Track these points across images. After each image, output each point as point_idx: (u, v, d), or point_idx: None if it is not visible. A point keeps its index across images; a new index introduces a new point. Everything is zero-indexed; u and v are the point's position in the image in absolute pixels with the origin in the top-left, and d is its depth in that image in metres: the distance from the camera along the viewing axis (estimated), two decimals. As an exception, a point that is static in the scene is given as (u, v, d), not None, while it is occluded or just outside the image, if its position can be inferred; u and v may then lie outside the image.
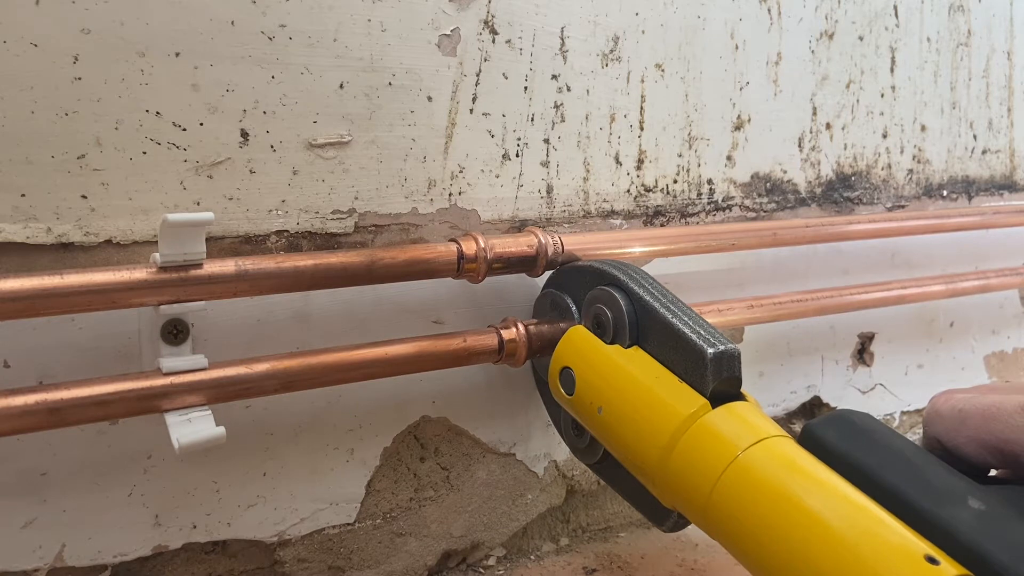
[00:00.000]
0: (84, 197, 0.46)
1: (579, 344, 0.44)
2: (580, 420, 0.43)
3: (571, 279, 0.52)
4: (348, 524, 0.57)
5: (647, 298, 0.42)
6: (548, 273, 0.58)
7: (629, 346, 0.41)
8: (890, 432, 0.33)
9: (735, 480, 0.31)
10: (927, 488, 0.28)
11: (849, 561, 0.26)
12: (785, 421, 0.81)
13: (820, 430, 0.33)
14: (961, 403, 0.34)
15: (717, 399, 0.36)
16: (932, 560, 0.25)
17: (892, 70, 0.84)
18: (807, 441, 0.33)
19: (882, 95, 0.83)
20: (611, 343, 0.44)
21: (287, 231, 0.52)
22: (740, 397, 0.37)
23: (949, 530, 0.27)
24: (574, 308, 0.51)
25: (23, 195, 0.45)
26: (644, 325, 0.41)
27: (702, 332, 0.38)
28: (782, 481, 0.30)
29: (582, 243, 0.59)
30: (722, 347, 0.37)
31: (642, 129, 0.67)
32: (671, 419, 0.35)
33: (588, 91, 0.64)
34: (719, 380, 0.36)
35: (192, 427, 0.44)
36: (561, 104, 0.62)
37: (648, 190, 0.68)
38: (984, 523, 0.27)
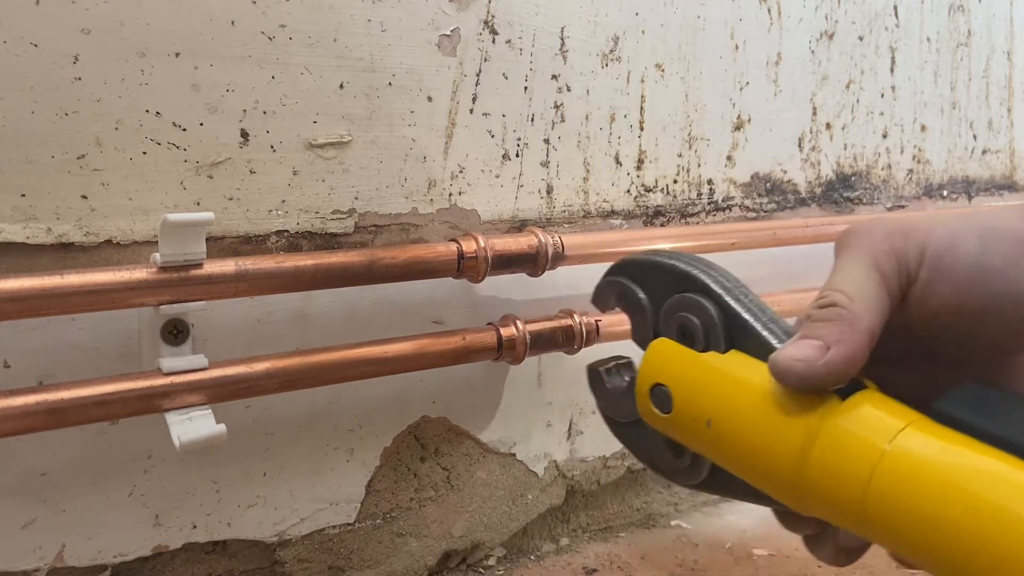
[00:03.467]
0: (84, 197, 0.46)
1: (670, 357, 0.41)
2: (681, 439, 0.40)
3: (648, 274, 0.47)
4: (348, 524, 0.57)
5: (743, 313, 0.39)
6: (550, 272, 0.58)
7: (725, 351, 0.39)
8: (1020, 397, 0.31)
9: (889, 476, 0.29)
10: None
11: None
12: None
13: (950, 407, 0.31)
14: None
15: (844, 391, 0.33)
16: None
17: (892, 70, 0.84)
18: (938, 419, 0.31)
19: (882, 95, 0.83)
20: (704, 351, 0.41)
21: (287, 231, 0.52)
22: (860, 384, 0.34)
23: None
24: (648, 305, 0.46)
25: (23, 195, 0.45)
26: (737, 335, 0.39)
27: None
28: (941, 466, 0.29)
29: (582, 243, 0.59)
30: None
31: (642, 129, 0.67)
32: (798, 421, 0.33)
33: (588, 91, 0.64)
34: None
35: (192, 425, 0.44)
36: (561, 104, 0.62)
37: (648, 190, 0.68)
38: None
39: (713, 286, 0.41)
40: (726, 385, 0.37)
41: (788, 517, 0.36)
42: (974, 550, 0.27)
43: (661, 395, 0.40)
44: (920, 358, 0.34)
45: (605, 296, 0.50)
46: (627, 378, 0.46)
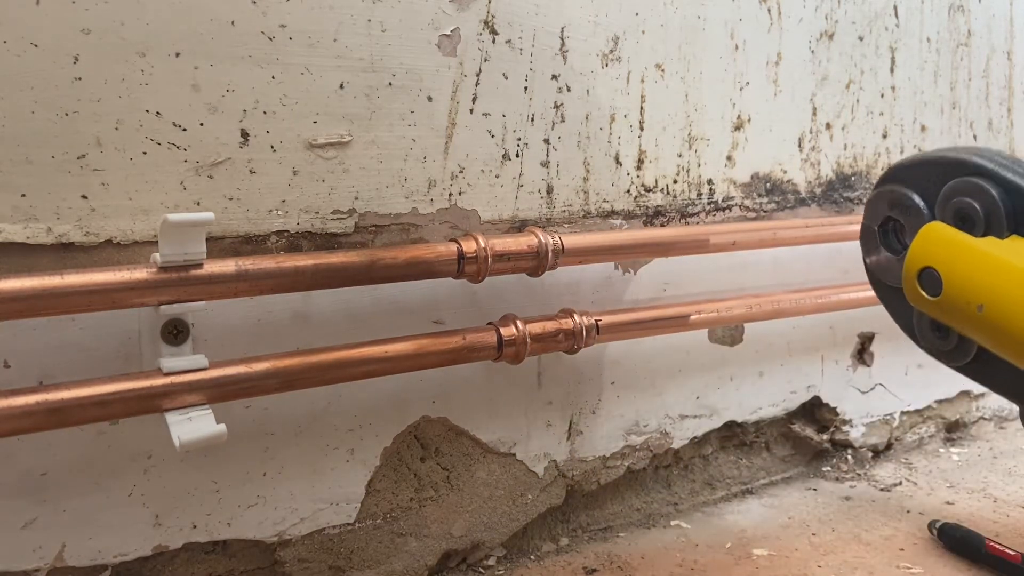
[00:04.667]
0: (84, 197, 0.46)
1: (943, 241, 0.40)
2: (948, 321, 0.40)
3: (917, 173, 0.45)
4: (348, 524, 0.57)
5: (1022, 183, 0.37)
6: (550, 272, 0.58)
7: (1007, 236, 0.37)
8: None
9: None
10: None
11: None
12: (785, 421, 0.81)
13: None
14: None
15: None
16: None
17: (892, 70, 0.84)
18: None
19: (882, 95, 0.83)
20: (983, 236, 0.39)
21: (287, 231, 0.52)
22: None
23: None
24: (922, 204, 0.45)
25: (23, 195, 0.45)
26: (1022, 216, 0.37)
27: None
28: None
29: (582, 243, 0.59)
30: None
31: (642, 129, 0.67)
32: None
33: (588, 91, 0.64)
34: None
35: (193, 425, 0.44)
36: (561, 104, 0.62)
37: (648, 190, 0.68)
38: None
39: (992, 167, 0.39)
40: (1003, 270, 0.36)
41: None
42: None
43: (930, 278, 0.40)
44: None
45: (877, 209, 0.49)
46: (901, 246, 0.45)
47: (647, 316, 0.63)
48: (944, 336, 0.42)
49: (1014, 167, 0.39)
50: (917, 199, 0.45)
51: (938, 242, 0.40)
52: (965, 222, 0.40)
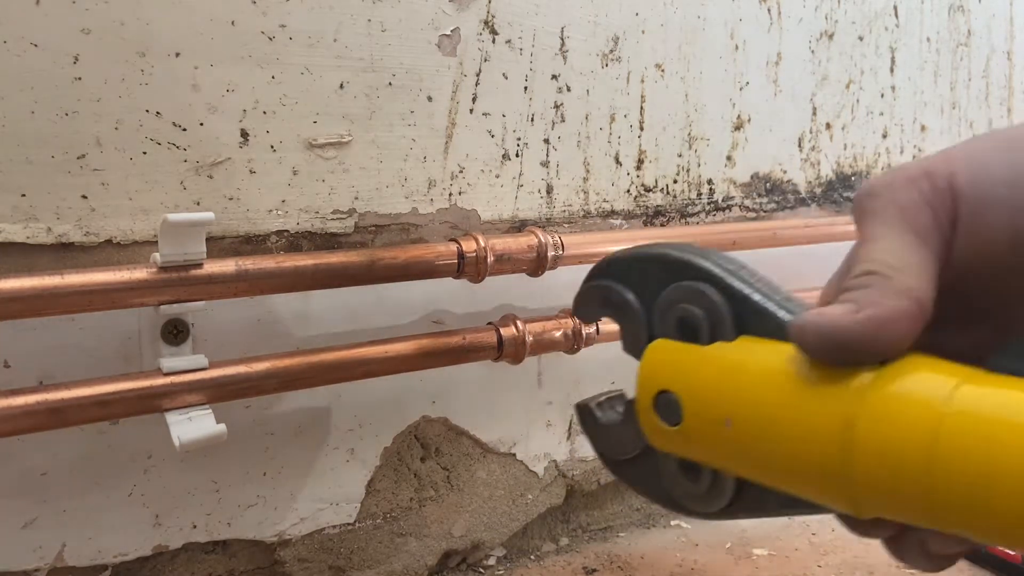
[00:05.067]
0: (84, 197, 0.46)
1: (672, 357, 0.35)
2: (696, 454, 0.34)
3: (634, 271, 0.40)
4: (348, 524, 0.57)
5: (753, 295, 0.34)
6: (550, 272, 0.58)
7: (734, 339, 0.33)
8: None
9: (955, 441, 0.24)
10: None
11: None
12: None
13: (1006, 361, 0.27)
14: None
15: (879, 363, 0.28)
16: None
17: (892, 70, 0.84)
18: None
19: (882, 95, 0.83)
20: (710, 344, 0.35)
21: (287, 231, 0.52)
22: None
23: None
24: (638, 305, 0.39)
25: (23, 195, 0.45)
26: (748, 322, 0.33)
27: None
28: (1010, 411, 0.24)
29: (582, 243, 0.59)
30: None
31: (642, 129, 0.67)
32: (835, 399, 0.27)
33: (588, 91, 0.64)
34: None
35: (193, 425, 0.44)
36: (561, 104, 0.62)
37: (648, 190, 0.68)
38: None
39: (713, 269, 0.35)
40: (743, 376, 0.32)
41: (854, 520, 0.30)
42: None
43: (667, 404, 0.34)
44: (980, 315, 0.29)
45: (588, 304, 0.43)
46: (620, 409, 0.39)
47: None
48: (697, 477, 0.36)
49: (737, 272, 0.35)
50: (633, 299, 0.39)
51: (668, 359, 0.35)
52: (688, 332, 0.35)
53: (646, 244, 0.41)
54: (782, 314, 0.32)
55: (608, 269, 0.42)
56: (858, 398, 0.26)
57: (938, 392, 0.25)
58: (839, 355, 0.27)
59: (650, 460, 0.37)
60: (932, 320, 0.27)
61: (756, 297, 0.33)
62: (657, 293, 0.38)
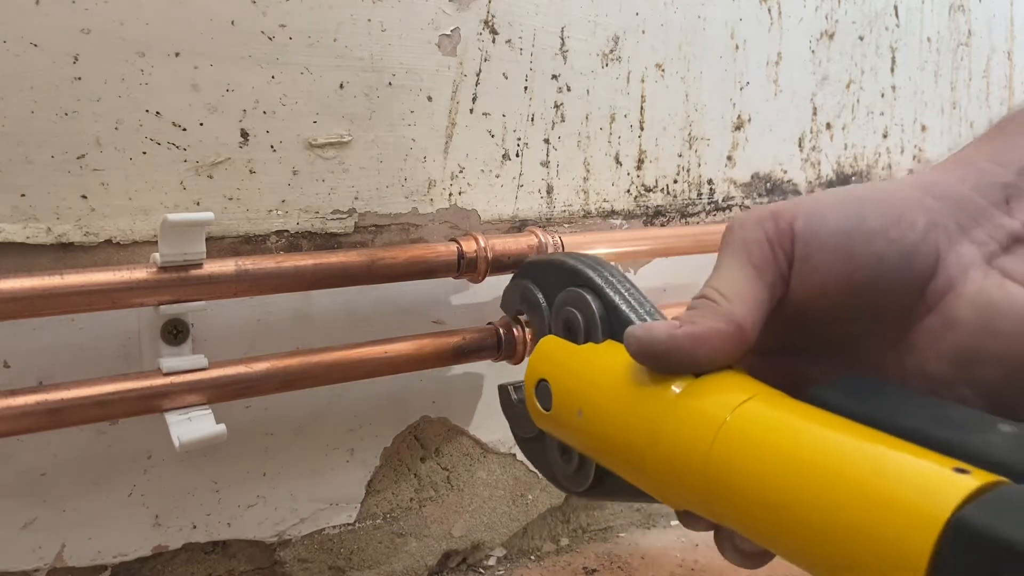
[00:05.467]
0: (84, 197, 0.46)
1: (552, 351, 0.41)
2: (561, 435, 0.40)
3: (544, 273, 0.48)
4: (348, 524, 0.57)
5: (621, 305, 0.40)
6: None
7: (602, 341, 0.39)
8: (899, 385, 0.30)
9: (727, 445, 0.28)
10: (950, 422, 0.26)
11: (867, 485, 0.24)
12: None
13: (822, 392, 0.29)
14: None
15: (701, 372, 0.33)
16: (961, 471, 0.23)
17: (892, 70, 0.84)
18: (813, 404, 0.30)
19: (882, 95, 0.83)
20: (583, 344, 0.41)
21: (287, 231, 0.52)
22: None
23: (980, 452, 0.24)
24: (545, 304, 0.47)
25: (23, 195, 0.45)
26: (616, 328, 0.39)
27: None
28: (778, 431, 0.27)
29: (582, 242, 0.59)
30: None
31: (642, 129, 0.67)
32: (655, 399, 0.32)
33: (588, 91, 0.64)
34: None
35: (192, 425, 0.44)
36: (561, 104, 0.62)
37: (648, 190, 0.68)
38: (1020, 440, 0.24)
39: (596, 279, 0.41)
40: (595, 372, 0.37)
41: (678, 512, 0.35)
42: (815, 506, 0.25)
43: (544, 391, 0.40)
44: (828, 348, 0.33)
45: (511, 300, 0.51)
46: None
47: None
48: (569, 459, 0.42)
49: (616, 284, 0.41)
50: (542, 299, 0.46)
51: (548, 353, 0.41)
52: (570, 332, 0.42)
53: (560, 252, 0.49)
54: (637, 320, 0.38)
55: (528, 271, 0.49)
56: (668, 403, 0.31)
57: (726, 405, 0.29)
58: (655, 363, 0.31)
59: (543, 440, 0.43)
60: (782, 347, 0.33)
61: (623, 307, 0.39)
62: (556, 295, 0.44)
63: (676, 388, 0.31)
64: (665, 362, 0.30)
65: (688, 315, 0.30)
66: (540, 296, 0.47)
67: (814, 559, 0.25)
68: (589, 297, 0.41)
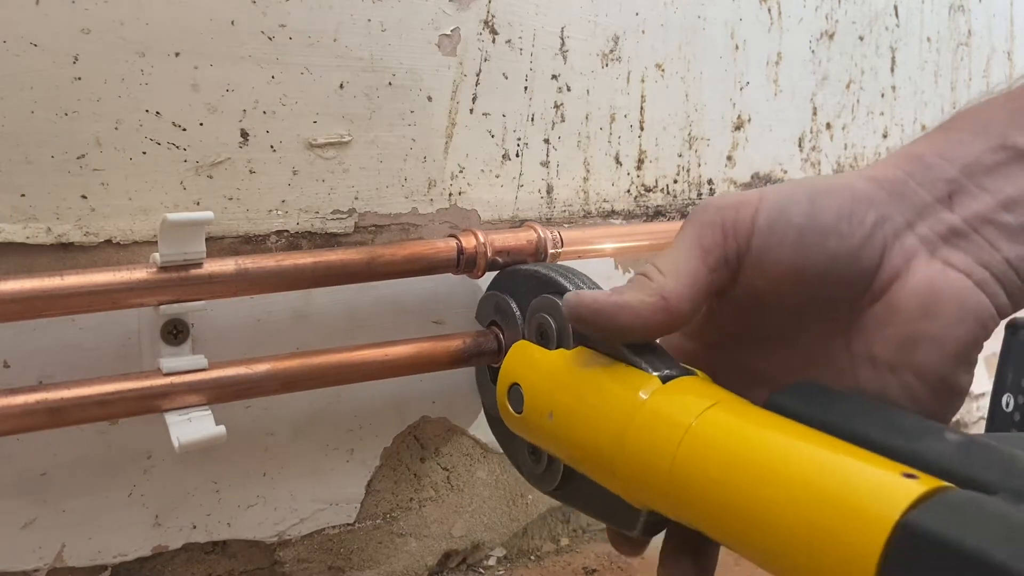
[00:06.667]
0: (84, 197, 0.46)
1: (524, 356, 0.42)
2: (533, 439, 0.41)
3: (517, 283, 0.50)
4: (348, 524, 0.57)
5: None
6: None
7: (573, 347, 0.40)
8: (854, 392, 0.32)
9: (693, 448, 0.30)
10: (900, 428, 0.27)
11: (821, 489, 0.25)
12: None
13: (781, 399, 0.31)
14: None
15: (667, 377, 0.34)
16: (910, 475, 0.24)
17: (892, 70, 0.84)
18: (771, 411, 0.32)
19: (882, 95, 0.83)
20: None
21: (287, 231, 0.52)
22: (691, 372, 0.36)
23: (929, 460, 0.25)
24: (518, 313, 0.49)
25: (23, 195, 0.45)
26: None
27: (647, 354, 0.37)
28: (741, 437, 0.29)
29: (582, 238, 0.59)
30: (666, 371, 0.36)
31: (642, 129, 0.67)
32: (622, 403, 0.33)
33: (588, 91, 0.64)
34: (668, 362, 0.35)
35: (192, 426, 0.44)
36: (561, 104, 0.62)
37: (648, 190, 0.68)
38: (965, 449, 0.26)
39: (567, 286, 0.43)
40: (565, 376, 0.38)
41: (616, 538, 0.37)
42: (769, 507, 0.26)
43: (516, 394, 0.41)
44: (783, 340, 0.34)
45: (485, 311, 0.53)
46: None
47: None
48: (537, 459, 0.43)
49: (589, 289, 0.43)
50: (515, 308, 0.49)
51: (521, 358, 0.42)
52: (543, 338, 0.43)
53: (532, 263, 0.51)
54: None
55: (500, 282, 0.51)
56: (635, 407, 0.32)
57: (690, 411, 0.30)
58: (583, 327, 0.33)
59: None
60: (736, 340, 0.35)
61: None
62: (529, 303, 0.46)
63: (643, 394, 0.33)
64: (591, 326, 0.32)
65: (620, 287, 0.32)
66: (514, 305, 0.49)
67: (771, 559, 0.27)
68: (560, 302, 0.42)
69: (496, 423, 0.47)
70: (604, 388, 0.35)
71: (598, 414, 0.34)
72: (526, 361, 0.41)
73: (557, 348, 0.41)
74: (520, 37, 0.60)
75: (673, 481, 0.30)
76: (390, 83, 0.55)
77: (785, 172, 0.77)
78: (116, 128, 0.47)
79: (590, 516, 0.43)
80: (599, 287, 0.43)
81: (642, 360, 0.34)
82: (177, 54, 0.48)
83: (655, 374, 0.33)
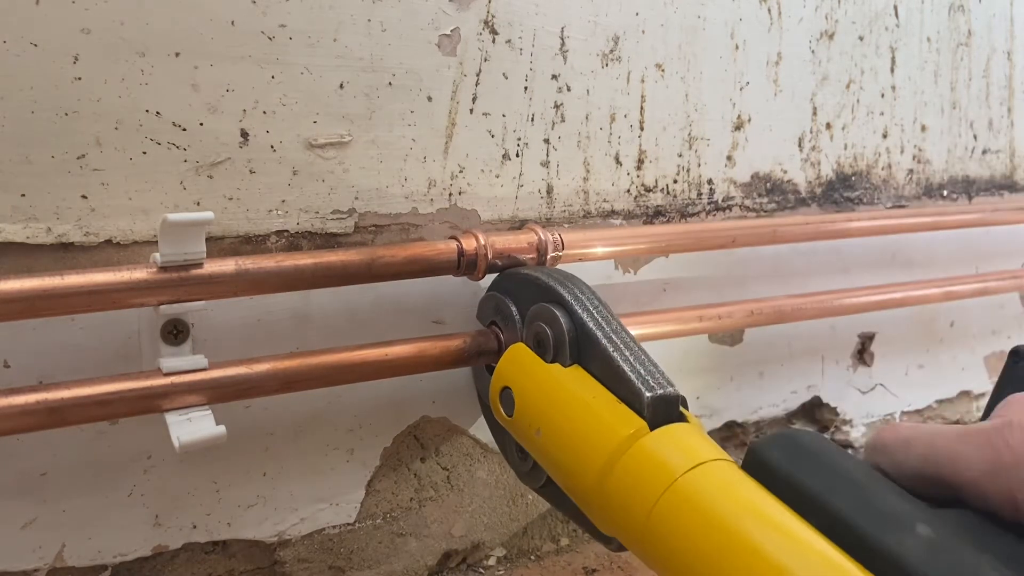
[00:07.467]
0: (84, 197, 0.46)
1: (519, 363, 0.42)
2: (521, 443, 0.42)
3: (518, 287, 0.50)
4: (348, 524, 0.57)
5: (589, 323, 0.40)
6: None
7: (569, 365, 0.40)
8: (839, 453, 0.31)
9: (672, 505, 0.30)
10: (874, 513, 0.27)
11: None
12: (785, 421, 0.81)
13: (765, 450, 0.31)
14: (906, 432, 0.33)
15: (657, 421, 0.34)
16: None
17: (892, 70, 0.84)
18: (751, 462, 0.31)
19: (882, 95, 0.83)
20: (552, 362, 0.42)
21: (287, 231, 0.52)
22: (681, 418, 0.35)
23: (895, 558, 0.26)
24: (517, 317, 0.49)
25: (23, 195, 0.45)
26: (584, 347, 0.40)
27: (641, 371, 0.36)
28: (720, 507, 0.29)
29: (582, 239, 0.59)
30: (660, 391, 0.34)
31: (642, 129, 0.67)
32: (608, 440, 0.33)
33: (588, 91, 0.64)
34: (658, 405, 0.35)
35: (192, 426, 0.44)
36: (561, 104, 0.62)
37: (648, 190, 0.68)
38: (932, 551, 0.26)
39: (566, 295, 0.43)
40: (557, 398, 0.38)
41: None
42: None
43: (508, 398, 0.41)
44: None
45: (486, 311, 0.53)
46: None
47: (646, 321, 0.63)
48: (524, 458, 0.44)
49: (585, 301, 0.42)
50: (515, 311, 0.49)
51: (516, 363, 0.42)
52: (540, 346, 0.43)
53: (533, 267, 0.51)
54: (604, 341, 0.38)
55: (502, 284, 0.52)
56: (629, 441, 0.33)
57: (683, 462, 0.31)
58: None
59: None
60: None
61: (591, 324, 0.40)
62: (528, 309, 0.46)
63: (639, 430, 0.33)
64: None
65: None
66: (513, 309, 0.49)
67: None
68: (558, 313, 0.42)
69: (489, 411, 0.48)
70: (594, 419, 0.35)
71: (585, 443, 0.35)
72: (521, 368, 0.42)
73: (553, 360, 0.41)
74: (520, 37, 0.60)
75: (648, 529, 0.31)
76: (390, 83, 0.55)
77: (785, 172, 0.77)
78: (116, 128, 0.47)
79: (571, 520, 0.44)
80: (596, 295, 0.43)
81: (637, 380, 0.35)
82: (177, 54, 0.48)
83: (645, 415, 0.33)
